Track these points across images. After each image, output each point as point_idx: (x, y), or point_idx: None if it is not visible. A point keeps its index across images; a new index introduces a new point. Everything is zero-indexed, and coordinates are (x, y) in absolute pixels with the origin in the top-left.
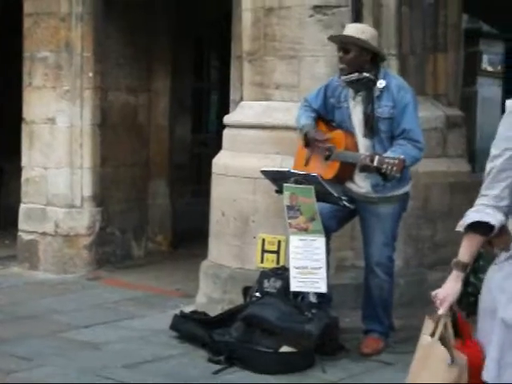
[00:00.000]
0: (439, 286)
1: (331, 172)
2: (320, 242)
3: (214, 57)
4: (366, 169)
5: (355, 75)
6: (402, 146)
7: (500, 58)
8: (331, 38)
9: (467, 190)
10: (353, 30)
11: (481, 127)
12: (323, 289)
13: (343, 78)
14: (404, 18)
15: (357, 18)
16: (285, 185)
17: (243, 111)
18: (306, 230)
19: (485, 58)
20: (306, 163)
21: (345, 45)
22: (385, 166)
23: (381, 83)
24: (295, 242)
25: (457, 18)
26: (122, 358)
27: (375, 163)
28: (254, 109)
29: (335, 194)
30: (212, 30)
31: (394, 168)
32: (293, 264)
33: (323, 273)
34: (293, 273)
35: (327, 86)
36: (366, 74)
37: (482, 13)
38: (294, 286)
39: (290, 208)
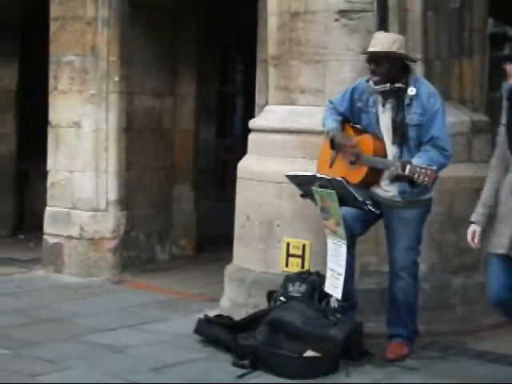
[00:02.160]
0: (463, 292)
1: (358, 177)
2: (344, 248)
3: (239, 61)
4: (398, 179)
5: (388, 85)
6: (429, 151)
7: None
8: (363, 53)
9: None
10: (384, 41)
11: None
12: (339, 296)
13: (375, 87)
14: (429, 23)
15: (382, 22)
16: (313, 188)
17: (268, 115)
18: (335, 233)
19: None
20: (331, 165)
21: (376, 56)
22: (416, 176)
23: (411, 90)
24: (330, 243)
25: (482, 23)
26: (147, 361)
27: (407, 172)
28: (279, 113)
29: (360, 199)
30: (238, 35)
31: (426, 178)
32: (328, 265)
33: (342, 280)
34: (327, 273)
35: (354, 89)
36: (398, 85)
37: (507, 17)
38: (326, 287)
39: (322, 210)
